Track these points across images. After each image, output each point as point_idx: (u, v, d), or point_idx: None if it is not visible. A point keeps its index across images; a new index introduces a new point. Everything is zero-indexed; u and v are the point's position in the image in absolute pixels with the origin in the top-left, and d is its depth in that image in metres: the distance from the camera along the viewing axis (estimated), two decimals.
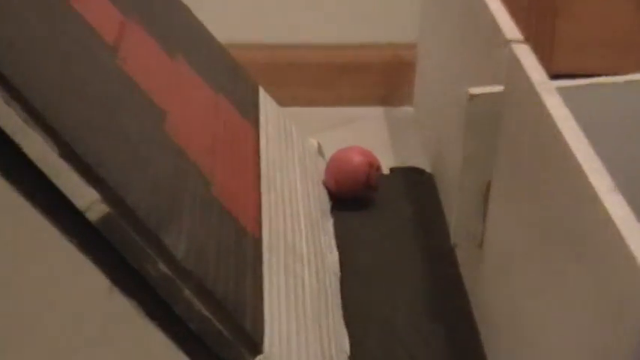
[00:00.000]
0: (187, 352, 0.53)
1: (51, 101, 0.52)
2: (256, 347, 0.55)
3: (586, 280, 0.51)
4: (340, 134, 1.03)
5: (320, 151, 0.88)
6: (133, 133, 0.58)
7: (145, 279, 0.52)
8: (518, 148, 0.64)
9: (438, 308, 0.75)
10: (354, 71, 1.11)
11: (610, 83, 0.70)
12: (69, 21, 0.60)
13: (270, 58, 1.09)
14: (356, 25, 1.11)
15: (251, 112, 0.77)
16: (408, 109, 1.08)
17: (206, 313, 0.53)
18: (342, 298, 0.73)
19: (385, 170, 0.90)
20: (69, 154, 0.51)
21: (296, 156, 0.80)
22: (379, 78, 1.11)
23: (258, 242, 0.63)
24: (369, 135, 1.04)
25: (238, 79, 0.80)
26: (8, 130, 0.50)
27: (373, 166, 0.86)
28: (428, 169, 0.92)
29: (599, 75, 0.70)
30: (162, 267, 0.52)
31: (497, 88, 0.68)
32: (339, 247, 0.78)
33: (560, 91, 0.60)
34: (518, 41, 0.67)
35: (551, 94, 0.59)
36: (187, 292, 0.53)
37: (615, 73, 0.70)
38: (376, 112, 1.10)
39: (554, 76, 0.63)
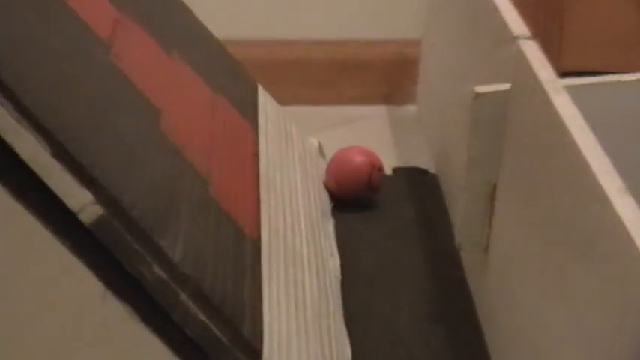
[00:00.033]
0: (184, 359, 0.53)
1: (44, 100, 0.52)
2: (255, 353, 0.55)
3: (594, 284, 0.50)
4: (341, 134, 1.03)
5: (321, 151, 0.88)
6: (128, 132, 0.58)
7: (140, 283, 0.52)
8: (525, 148, 0.64)
9: (441, 310, 0.74)
10: (355, 69, 1.11)
11: (620, 81, 0.70)
12: (62, 18, 0.60)
13: (270, 55, 1.09)
14: (358, 20, 1.10)
15: (250, 112, 0.77)
16: (411, 108, 1.07)
17: (203, 318, 0.53)
18: (344, 299, 0.72)
19: (388, 171, 0.89)
20: (62, 154, 0.50)
21: (296, 156, 0.80)
22: (382, 76, 1.11)
23: (257, 244, 0.63)
24: (371, 134, 1.04)
25: (237, 78, 0.80)
26: (0, 130, 0.50)
27: (375, 166, 0.85)
28: (432, 170, 0.91)
29: (608, 73, 0.71)
30: (158, 270, 0.52)
31: (504, 86, 0.67)
32: (340, 249, 0.77)
33: (569, 89, 0.59)
34: (525, 38, 0.67)
35: (559, 93, 0.59)
36: (184, 297, 0.53)
37: (625, 71, 0.70)
38: (379, 110, 1.10)
39: (563, 74, 0.62)
